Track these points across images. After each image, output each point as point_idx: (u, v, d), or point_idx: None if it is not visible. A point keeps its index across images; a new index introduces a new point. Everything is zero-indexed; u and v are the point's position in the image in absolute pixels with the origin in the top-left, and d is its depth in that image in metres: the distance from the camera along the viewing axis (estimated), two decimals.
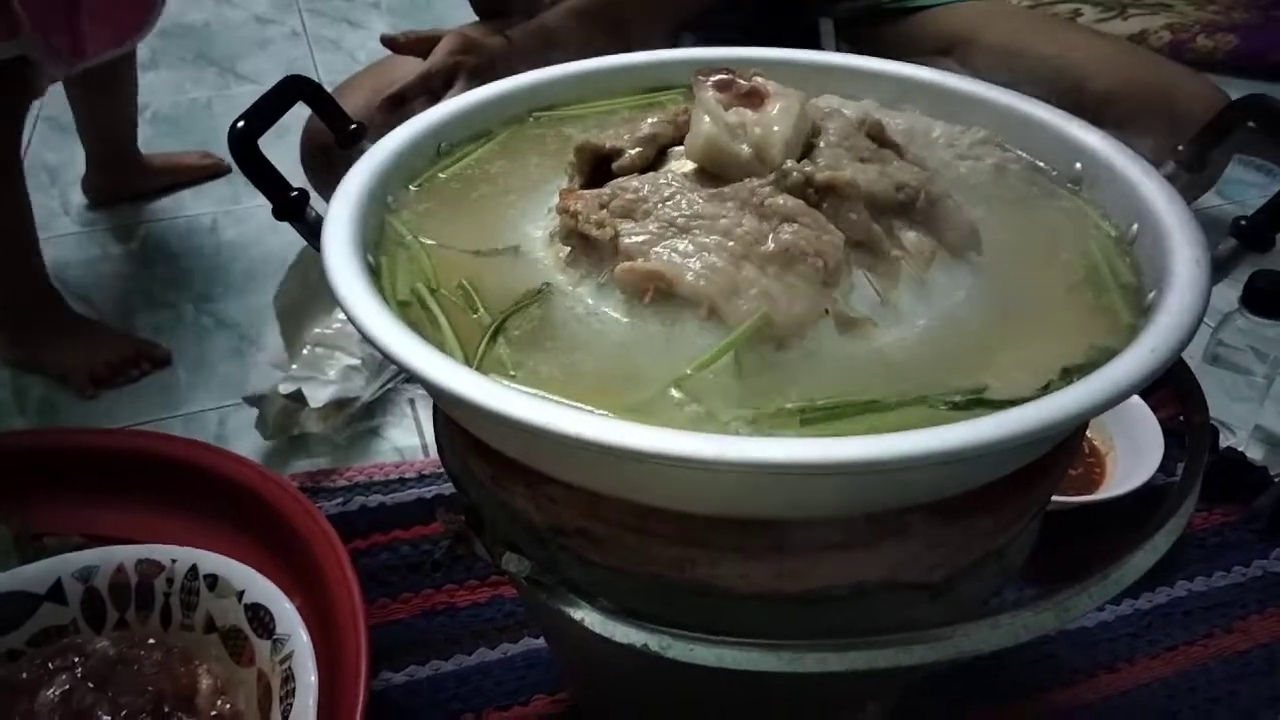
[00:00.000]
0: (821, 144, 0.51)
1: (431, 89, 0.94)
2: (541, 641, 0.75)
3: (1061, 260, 0.51)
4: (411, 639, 0.76)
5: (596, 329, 0.46)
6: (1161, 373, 0.40)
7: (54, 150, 1.44)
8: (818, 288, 0.45)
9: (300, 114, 0.58)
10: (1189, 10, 1.78)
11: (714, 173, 0.50)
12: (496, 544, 0.49)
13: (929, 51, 1.16)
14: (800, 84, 0.54)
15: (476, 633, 0.76)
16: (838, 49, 1.14)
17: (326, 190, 0.52)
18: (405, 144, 0.57)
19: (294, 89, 0.55)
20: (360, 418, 0.98)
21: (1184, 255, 0.46)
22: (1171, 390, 0.53)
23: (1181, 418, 0.52)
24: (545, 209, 0.54)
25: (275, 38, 1.88)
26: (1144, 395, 0.85)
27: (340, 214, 0.50)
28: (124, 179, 1.35)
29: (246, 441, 0.95)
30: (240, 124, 0.50)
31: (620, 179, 0.51)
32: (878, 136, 0.53)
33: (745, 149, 0.49)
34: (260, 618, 0.64)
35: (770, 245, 0.45)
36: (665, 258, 0.45)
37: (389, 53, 1.07)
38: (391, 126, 0.58)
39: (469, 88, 0.66)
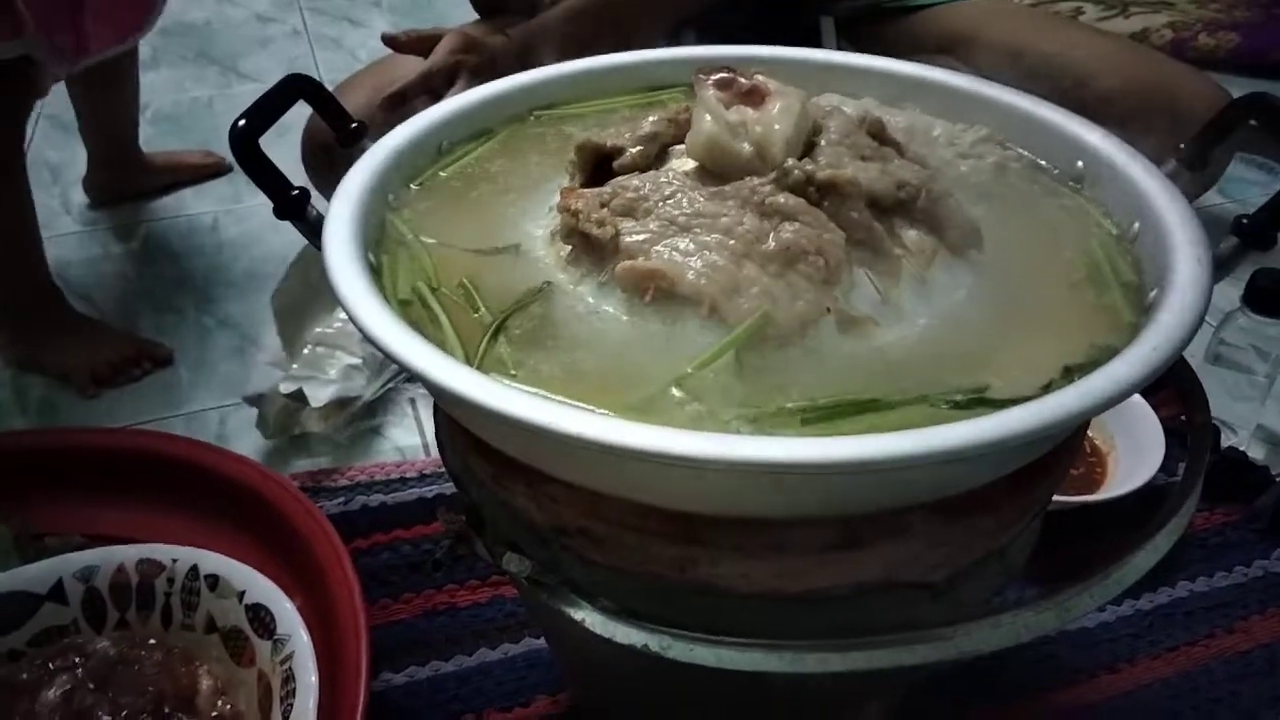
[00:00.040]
0: (822, 142, 0.51)
1: (432, 88, 0.94)
2: (542, 642, 0.75)
3: (1063, 258, 0.51)
4: (412, 639, 0.76)
5: (597, 328, 0.46)
6: (1163, 371, 0.40)
7: (56, 149, 1.44)
8: (819, 286, 0.45)
9: (301, 112, 0.58)
10: (1191, 8, 1.78)
11: (715, 171, 0.50)
12: (497, 544, 0.49)
13: (930, 50, 1.16)
14: (801, 82, 0.54)
15: (477, 633, 0.76)
16: (838, 47, 1.14)
17: (327, 189, 0.52)
18: (406, 143, 0.57)
19: (295, 88, 0.55)
20: (361, 417, 0.98)
21: (1185, 253, 0.45)
22: (1173, 389, 0.53)
23: (1183, 417, 0.52)
24: (546, 207, 0.54)
25: (276, 36, 1.88)
26: (1145, 394, 0.85)
27: (341, 213, 0.50)
28: (125, 177, 1.35)
29: (248, 441, 0.95)
30: (241, 123, 0.50)
31: (621, 177, 0.51)
32: (879, 135, 0.53)
33: (746, 147, 0.49)
34: (261, 618, 0.64)
35: (771, 244, 0.45)
36: (666, 256, 0.45)
37: (390, 51, 1.07)
38: (392, 125, 0.58)
39: (470, 86, 0.66)
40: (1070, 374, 0.42)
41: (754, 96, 0.51)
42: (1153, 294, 0.46)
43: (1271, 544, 0.83)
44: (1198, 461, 0.48)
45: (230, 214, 1.34)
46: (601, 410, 0.41)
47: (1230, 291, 0.86)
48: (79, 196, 1.35)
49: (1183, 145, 0.54)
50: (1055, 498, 0.58)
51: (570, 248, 0.49)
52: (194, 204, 1.37)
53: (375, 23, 1.90)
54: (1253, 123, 0.52)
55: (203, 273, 1.23)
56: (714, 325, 0.44)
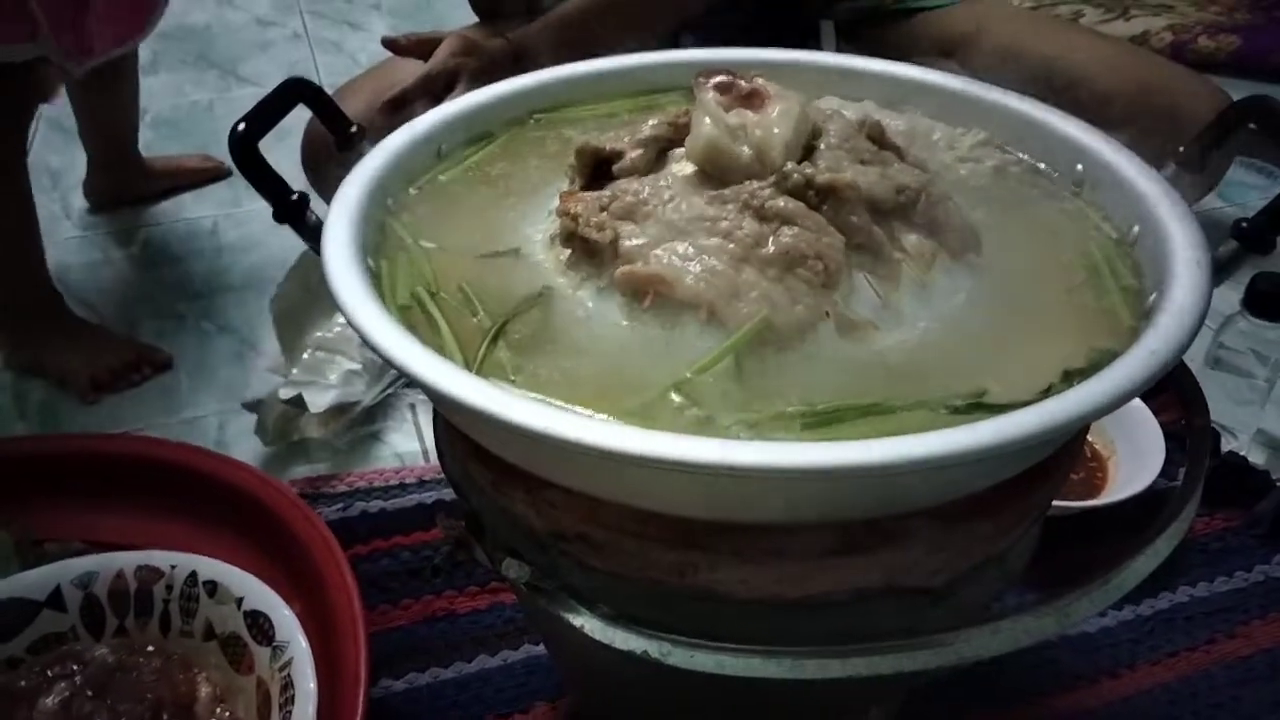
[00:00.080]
0: (822, 146, 0.50)
1: (432, 91, 0.94)
2: (542, 648, 0.75)
3: (1062, 262, 0.51)
4: (411, 646, 0.76)
5: (597, 332, 0.46)
6: (1163, 375, 0.40)
7: (57, 153, 1.44)
8: (818, 291, 0.45)
9: (301, 116, 0.58)
10: (1191, 11, 1.78)
11: (714, 175, 0.50)
12: (497, 550, 0.49)
13: (930, 53, 1.16)
14: (801, 86, 0.54)
15: (477, 639, 0.76)
16: (838, 50, 1.14)
17: (327, 193, 0.52)
18: (406, 146, 0.57)
19: (294, 92, 0.55)
20: (361, 423, 0.98)
21: (1185, 257, 0.45)
22: (1173, 394, 0.53)
23: (1183, 421, 0.52)
24: (545, 211, 0.54)
25: (276, 40, 1.88)
26: (1146, 399, 0.85)
27: (340, 217, 0.50)
28: (125, 182, 1.35)
29: (247, 446, 0.95)
30: (241, 127, 0.50)
31: (621, 181, 0.51)
32: (878, 139, 0.53)
33: (746, 151, 0.49)
34: (259, 625, 0.64)
35: (770, 248, 0.45)
36: (665, 261, 0.45)
37: (390, 55, 1.07)
38: (392, 129, 0.58)
39: (470, 90, 0.66)
40: (1070, 378, 0.42)
41: (754, 100, 0.51)
42: (1152, 298, 0.46)
43: (1272, 549, 0.83)
44: (1198, 466, 0.48)
45: (230, 218, 1.34)
46: (601, 415, 0.41)
47: (1230, 295, 0.86)
48: (79, 201, 1.36)
49: (1182, 148, 0.54)
50: (1055, 502, 0.58)
51: (570, 252, 0.49)
52: (193, 208, 1.37)
53: (375, 26, 1.90)
54: (1252, 126, 0.52)
55: (202, 277, 1.23)
56: (713, 330, 0.44)
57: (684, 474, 0.37)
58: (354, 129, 0.58)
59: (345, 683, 0.63)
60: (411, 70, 0.97)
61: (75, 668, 0.65)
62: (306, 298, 0.98)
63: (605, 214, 0.48)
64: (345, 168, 0.54)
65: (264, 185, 0.51)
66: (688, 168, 0.51)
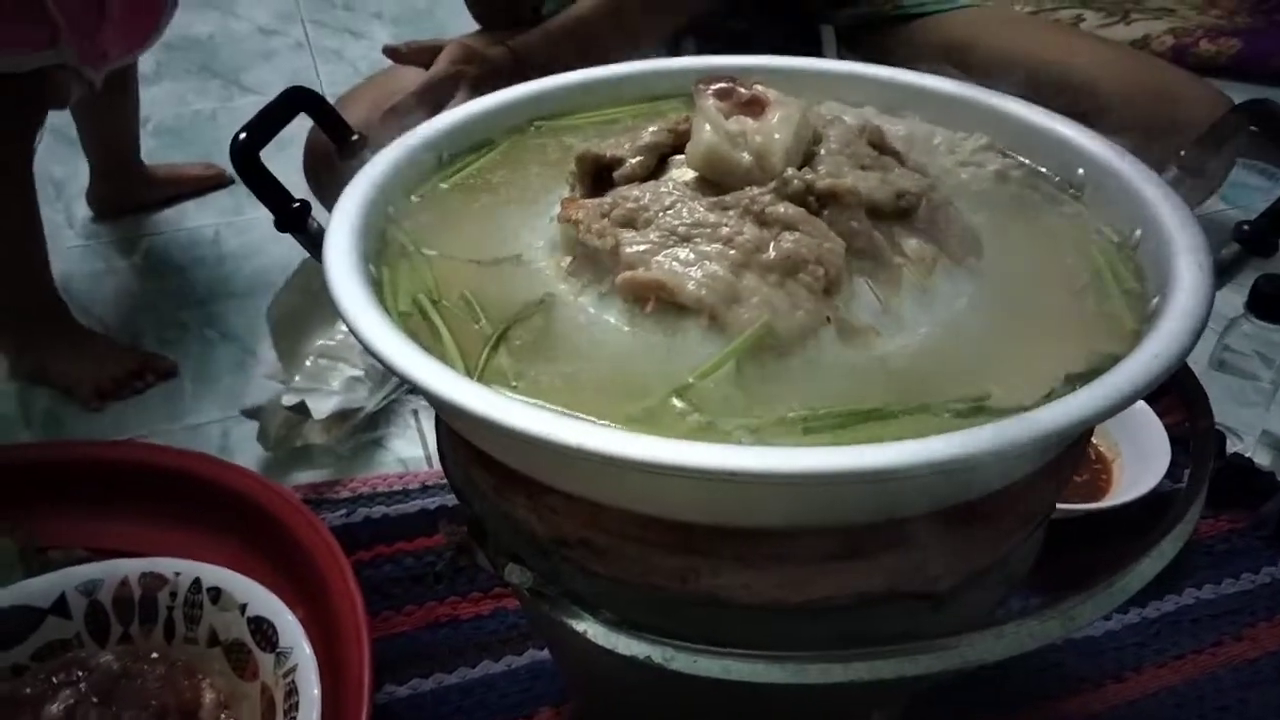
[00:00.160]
0: (822, 151, 0.51)
1: (433, 99, 0.95)
2: (545, 653, 0.75)
3: (1064, 266, 0.51)
4: (415, 651, 0.76)
5: (598, 339, 0.46)
6: (1166, 378, 0.40)
7: (60, 163, 1.44)
8: (819, 296, 0.45)
9: (303, 125, 0.58)
10: (1192, 15, 1.78)
11: (715, 181, 0.50)
12: (499, 555, 0.49)
13: (930, 58, 1.16)
14: (801, 91, 0.54)
15: (480, 645, 0.76)
16: (839, 56, 1.14)
17: (329, 201, 0.52)
18: (407, 154, 0.57)
19: (295, 100, 0.55)
20: (364, 429, 0.98)
21: (1187, 260, 0.45)
22: (1177, 396, 0.53)
23: (1187, 424, 0.52)
24: (547, 218, 0.54)
25: (279, 49, 1.88)
26: (1150, 401, 0.85)
27: (342, 225, 0.50)
28: (128, 190, 1.35)
29: (250, 453, 0.95)
30: (242, 136, 0.50)
31: (621, 188, 0.51)
32: (878, 144, 0.53)
33: (746, 157, 0.49)
34: (263, 631, 0.64)
35: (771, 253, 0.45)
36: (666, 266, 0.45)
37: (391, 63, 1.07)
38: (393, 137, 0.58)
39: (471, 97, 0.66)
40: (1072, 382, 0.42)
41: (754, 106, 0.51)
42: (1154, 301, 0.46)
43: (1278, 550, 0.83)
44: (1202, 468, 0.48)
45: (231, 226, 1.35)
46: (602, 421, 0.41)
47: (1234, 298, 0.86)
48: (82, 210, 1.36)
49: (1184, 152, 0.54)
50: (1060, 505, 0.58)
51: (571, 258, 0.49)
52: (196, 216, 1.37)
53: (377, 35, 1.90)
54: (1254, 129, 0.52)
55: (205, 285, 1.23)
56: (714, 335, 0.44)
57: (686, 479, 0.37)
58: (355, 137, 0.58)
59: (349, 689, 0.63)
60: (413, 78, 0.98)
61: (80, 675, 0.65)
62: (307, 305, 0.98)
63: (606, 220, 0.48)
64: (347, 176, 0.54)
65: (266, 193, 0.51)
66: (688, 174, 0.51)
